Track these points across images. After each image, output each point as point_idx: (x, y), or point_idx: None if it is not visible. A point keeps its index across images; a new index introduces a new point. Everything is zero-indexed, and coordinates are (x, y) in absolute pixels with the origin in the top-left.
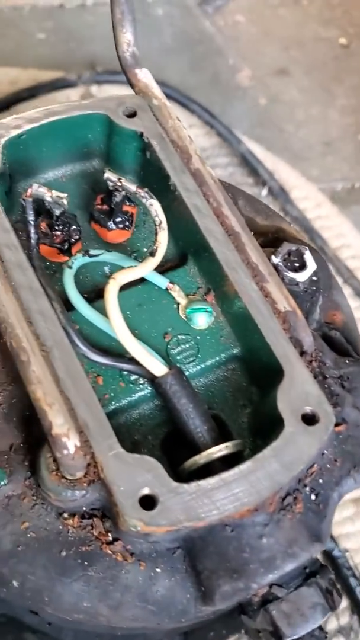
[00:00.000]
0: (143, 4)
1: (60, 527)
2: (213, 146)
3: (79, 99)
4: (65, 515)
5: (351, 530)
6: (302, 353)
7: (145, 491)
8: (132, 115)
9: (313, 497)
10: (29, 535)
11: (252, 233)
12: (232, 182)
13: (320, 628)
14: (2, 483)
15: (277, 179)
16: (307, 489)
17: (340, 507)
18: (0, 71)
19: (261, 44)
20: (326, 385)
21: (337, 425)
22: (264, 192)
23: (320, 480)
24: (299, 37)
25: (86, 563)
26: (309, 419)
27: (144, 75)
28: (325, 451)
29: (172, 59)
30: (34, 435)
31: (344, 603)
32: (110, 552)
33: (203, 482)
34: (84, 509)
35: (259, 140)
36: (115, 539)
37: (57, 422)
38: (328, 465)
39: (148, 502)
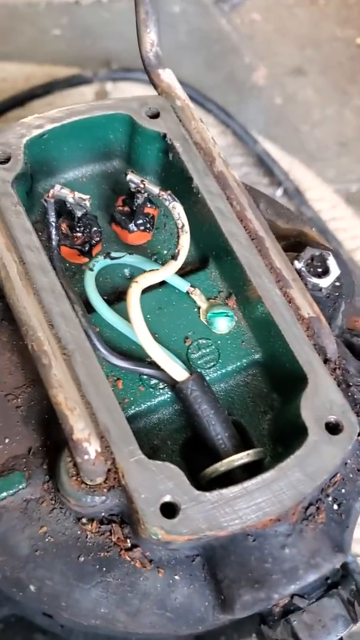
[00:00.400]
0: (159, 1)
1: (79, 532)
2: (228, 145)
3: (94, 96)
4: (84, 520)
5: None
6: (326, 360)
7: (167, 499)
8: (155, 116)
9: (335, 507)
10: (47, 539)
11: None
12: (247, 182)
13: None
14: (21, 486)
15: (292, 179)
16: (330, 498)
17: None
18: (15, 67)
19: (277, 43)
20: (350, 394)
21: None
22: (279, 192)
23: (343, 490)
24: (315, 36)
25: (104, 569)
26: (333, 428)
27: (167, 76)
28: (349, 460)
29: (187, 57)
30: (53, 439)
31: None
32: (128, 558)
33: (225, 491)
34: (103, 514)
35: (274, 140)
36: (134, 546)
37: (79, 426)
38: (351, 475)
39: (169, 510)
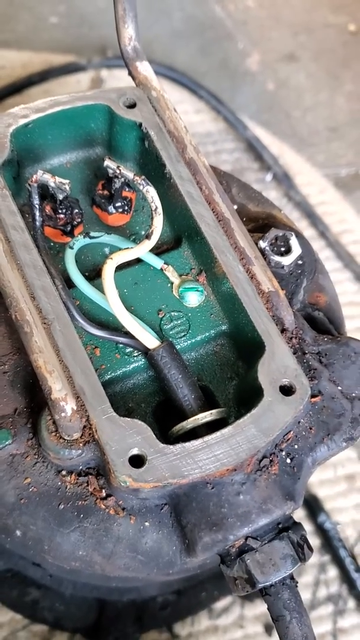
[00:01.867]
0: None
1: (59, 483)
2: (220, 131)
3: (90, 82)
4: (64, 472)
5: (343, 505)
6: (283, 330)
7: (135, 451)
8: (132, 106)
9: (288, 460)
10: (30, 489)
11: (244, 219)
12: (237, 167)
13: (292, 577)
14: (7, 442)
15: (281, 164)
16: (283, 453)
17: (333, 482)
18: (13, 54)
19: (270, 29)
20: (305, 360)
21: (313, 396)
22: (269, 177)
23: (296, 446)
24: (308, 22)
25: (82, 516)
26: (286, 390)
27: (144, 69)
28: (302, 420)
29: (182, 43)
30: (36, 401)
31: (334, 573)
32: (103, 506)
33: (187, 444)
34: (81, 467)
35: (266, 125)
36: (108, 495)
37: (56, 387)
38: (303, 433)
39: (137, 461)
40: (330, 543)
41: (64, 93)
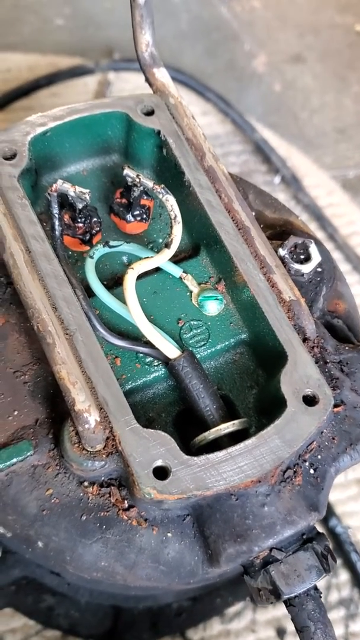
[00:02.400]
0: (153, 5)
1: (81, 494)
2: (227, 133)
3: (97, 85)
4: (86, 483)
5: (355, 509)
6: (305, 339)
7: (159, 463)
8: (149, 113)
9: (312, 471)
10: (52, 501)
11: (262, 226)
12: (245, 169)
13: (316, 588)
14: (29, 453)
15: (289, 166)
16: (307, 464)
17: (345, 487)
18: (20, 57)
19: (277, 30)
20: (327, 370)
21: (335, 406)
22: (277, 179)
23: (319, 456)
24: (314, 23)
25: (104, 527)
26: (310, 400)
27: (161, 75)
28: (324, 430)
29: (188, 45)
30: (58, 411)
31: (346, 576)
32: (126, 517)
33: (211, 456)
34: (103, 478)
35: (273, 127)
36: (130, 506)
37: (80, 399)
38: (326, 443)
39: (161, 473)
40: (341, 547)
41: (71, 95)
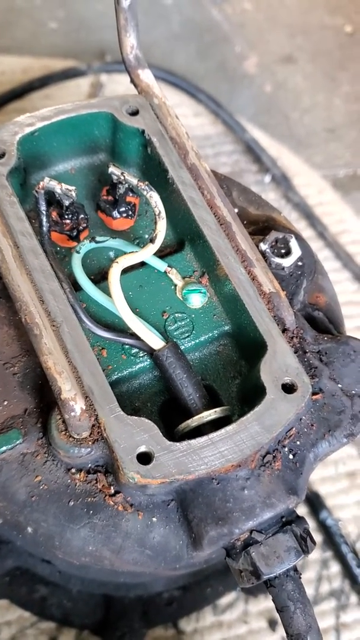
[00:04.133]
0: (137, 9)
1: (69, 480)
2: (219, 134)
3: (89, 86)
4: (73, 470)
5: (345, 502)
6: (284, 330)
7: (142, 448)
8: (134, 113)
9: (291, 456)
10: (41, 487)
11: (245, 222)
12: (236, 169)
13: (295, 569)
14: (18, 442)
15: (280, 166)
16: (286, 449)
17: (335, 480)
18: (14, 60)
19: (268, 32)
20: (306, 359)
21: (314, 394)
22: (267, 179)
23: (298, 442)
24: (305, 24)
25: (91, 512)
26: (288, 388)
27: (146, 76)
28: (303, 417)
29: (180, 47)
30: (46, 401)
31: (336, 568)
32: (112, 503)
33: (193, 441)
34: (90, 465)
35: (264, 127)
36: (116, 492)
37: (66, 387)
38: (305, 430)
39: (144, 458)
40: (332, 539)
41: (64, 97)
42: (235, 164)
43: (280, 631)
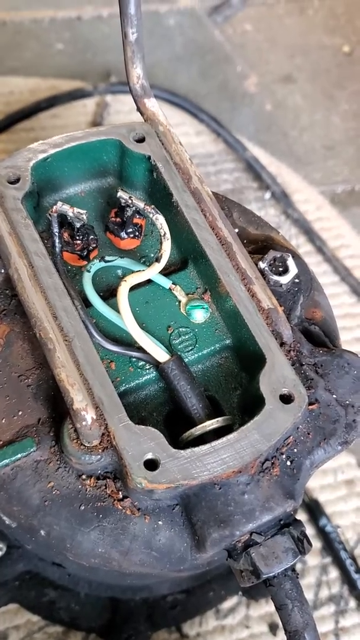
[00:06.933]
0: (156, 15)
1: (80, 486)
2: (220, 152)
3: (95, 106)
4: (84, 476)
5: (343, 509)
6: (282, 344)
7: (149, 456)
8: (141, 140)
9: (288, 463)
10: (54, 492)
11: (245, 241)
12: (237, 186)
13: (293, 570)
14: (32, 450)
15: (279, 183)
16: (284, 456)
17: (333, 487)
18: (21, 81)
19: (268, 52)
20: (302, 371)
21: (310, 404)
22: (267, 195)
23: (295, 450)
24: (304, 45)
25: (101, 516)
26: (286, 399)
27: (151, 105)
28: (300, 426)
29: (182, 67)
30: (58, 411)
31: (335, 574)
32: (120, 507)
33: (197, 449)
34: (99, 471)
35: (264, 145)
36: (124, 497)
37: (78, 398)
38: (302, 438)
39: (151, 465)
40: (331, 546)
41: (71, 116)
42: (236, 181)
43: (281, 635)
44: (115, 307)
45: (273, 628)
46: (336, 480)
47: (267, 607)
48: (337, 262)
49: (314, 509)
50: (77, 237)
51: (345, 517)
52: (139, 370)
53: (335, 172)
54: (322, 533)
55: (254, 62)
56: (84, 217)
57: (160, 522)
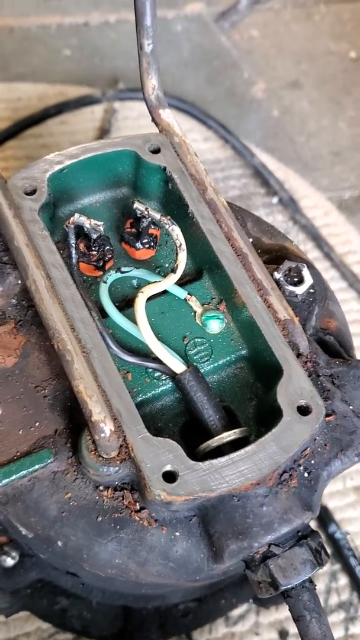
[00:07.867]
0: (163, 21)
1: (97, 497)
2: (228, 158)
3: (103, 113)
4: (101, 487)
5: (353, 516)
6: (299, 355)
7: (168, 467)
8: (156, 151)
9: (306, 474)
10: (71, 503)
11: (259, 251)
12: (245, 192)
13: (311, 581)
14: (49, 461)
15: (287, 188)
16: (301, 468)
17: (343, 494)
18: (29, 87)
19: (275, 58)
20: (319, 382)
21: (327, 415)
22: (275, 200)
23: (313, 461)
24: (310, 51)
25: (118, 527)
26: (303, 410)
27: (167, 116)
28: (317, 437)
29: (190, 73)
30: (75, 422)
31: (345, 581)
32: (138, 518)
33: (215, 461)
34: (117, 482)
35: (271, 151)
36: (142, 508)
37: (96, 410)
38: (319, 449)
39: (170, 477)
40: (340, 552)
41: (79, 123)
42: (244, 187)
43: None
44: (131, 318)
45: (283, 635)
46: (345, 487)
47: (276, 614)
48: (345, 268)
49: (323, 516)
50: (94, 248)
51: (354, 524)
52: (155, 381)
53: (343, 178)
54: (332, 540)
55: (261, 68)
56: (101, 228)
57: (177, 533)
